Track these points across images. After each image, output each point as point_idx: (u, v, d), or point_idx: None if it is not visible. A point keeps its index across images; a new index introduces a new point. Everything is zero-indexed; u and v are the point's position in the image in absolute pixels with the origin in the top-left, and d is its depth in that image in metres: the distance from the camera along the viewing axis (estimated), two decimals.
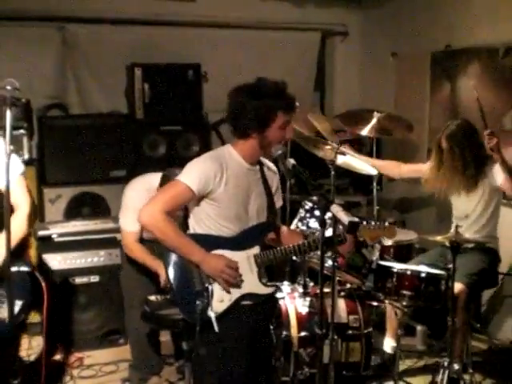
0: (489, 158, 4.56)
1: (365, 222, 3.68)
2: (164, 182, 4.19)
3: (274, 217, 3.60)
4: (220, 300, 3.41)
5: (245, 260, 3.47)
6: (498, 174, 4.50)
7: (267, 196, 3.56)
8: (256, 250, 3.50)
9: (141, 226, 3.84)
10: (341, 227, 3.41)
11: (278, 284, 4.56)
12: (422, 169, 4.89)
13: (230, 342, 3.41)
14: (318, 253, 3.83)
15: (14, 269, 3.42)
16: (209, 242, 3.44)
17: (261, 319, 3.58)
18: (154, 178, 4.37)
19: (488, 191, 4.60)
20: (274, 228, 3.67)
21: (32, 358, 4.33)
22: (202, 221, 3.47)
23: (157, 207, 3.35)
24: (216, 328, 3.33)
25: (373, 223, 3.79)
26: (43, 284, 3.75)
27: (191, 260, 3.41)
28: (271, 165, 3.65)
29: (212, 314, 3.35)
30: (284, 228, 3.84)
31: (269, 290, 3.55)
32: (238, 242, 3.47)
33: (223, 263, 3.39)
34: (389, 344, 4.85)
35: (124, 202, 4.46)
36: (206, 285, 3.40)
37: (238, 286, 3.43)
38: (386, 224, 3.76)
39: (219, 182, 3.37)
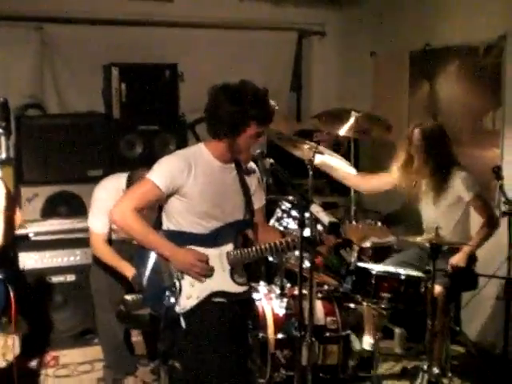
0: (453, 168, 4.32)
1: (354, 222, 3.39)
2: (129, 183, 4.01)
3: (250, 215, 3.38)
4: (188, 297, 3.23)
5: (216, 257, 3.27)
6: (461, 185, 4.27)
7: (244, 194, 3.35)
8: (229, 247, 3.29)
9: (111, 224, 3.68)
10: (319, 227, 3.13)
11: (252, 285, 4.31)
12: (389, 179, 4.54)
13: (202, 338, 3.21)
14: (296, 253, 3.68)
15: None
16: (181, 239, 3.26)
17: (236, 318, 3.33)
18: (123, 178, 4.16)
19: (453, 201, 4.34)
20: (251, 226, 3.42)
21: (8, 357, 4.20)
22: (174, 217, 3.30)
23: (126, 205, 3.23)
24: (183, 324, 3.19)
25: (361, 223, 3.40)
26: (12, 294, 3.64)
27: (161, 255, 3.26)
28: (250, 164, 3.38)
29: (179, 311, 3.20)
30: (266, 227, 3.62)
31: (241, 289, 3.32)
32: (210, 239, 3.28)
33: (192, 256, 3.22)
34: (367, 341, 4.54)
35: (93, 202, 4.22)
36: (175, 281, 3.25)
37: (206, 282, 3.24)
38: (378, 224, 3.44)
39: (187, 178, 3.19)
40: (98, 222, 4.12)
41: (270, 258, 4.31)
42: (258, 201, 3.45)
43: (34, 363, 4.71)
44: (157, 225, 3.39)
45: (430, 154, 4.31)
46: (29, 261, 4.97)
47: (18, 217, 4.07)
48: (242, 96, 3.13)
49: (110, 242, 4.19)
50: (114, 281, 4.18)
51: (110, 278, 4.21)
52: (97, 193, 4.22)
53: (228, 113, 3.12)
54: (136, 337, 4.63)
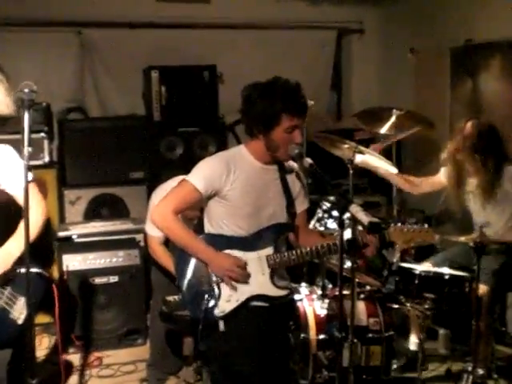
0: (503, 166, 4.19)
1: (399, 224, 3.28)
2: None
3: (291, 218, 3.28)
4: (227, 300, 3.17)
5: (255, 261, 3.19)
6: (509, 182, 4.15)
7: (286, 197, 3.25)
8: (269, 250, 3.20)
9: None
10: (360, 228, 3.00)
11: (294, 286, 4.23)
12: (440, 179, 4.44)
13: (239, 341, 3.15)
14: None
15: (23, 270, 3.12)
16: (220, 242, 3.20)
17: (276, 322, 3.27)
18: (177, 182, 4.13)
19: (503, 198, 4.19)
20: (292, 230, 3.33)
21: (50, 357, 4.38)
22: (215, 221, 3.23)
23: (167, 207, 3.18)
24: (221, 327, 3.13)
25: (408, 225, 3.31)
26: (53, 285, 3.50)
27: (200, 259, 3.19)
28: (295, 165, 3.28)
29: (218, 314, 3.14)
30: (308, 230, 3.54)
31: (281, 293, 3.23)
32: (249, 243, 3.20)
33: (229, 262, 3.14)
34: (413, 341, 4.42)
35: (149, 207, 4.23)
36: (213, 284, 3.18)
37: (245, 285, 3.17)
38: (424, 226, 3.32)
39: (226, 180, 3.12)
40: (151, 225, 4.02)
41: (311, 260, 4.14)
42: (301, 204, 3.36)
43: (77, 363, 4.71)
44: (199, 228, 3.35)
45: (479, 149, 4.16)
46: (72, 262, 4.95)
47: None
48: (272, 91, 3.06)
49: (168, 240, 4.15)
50: (169, 281, 4.13)
51: (165, 278, 4.20)
52: (153, 197, 4.24)
53: (259, 108, 3.06)
54: (186, 337, 4.59)
